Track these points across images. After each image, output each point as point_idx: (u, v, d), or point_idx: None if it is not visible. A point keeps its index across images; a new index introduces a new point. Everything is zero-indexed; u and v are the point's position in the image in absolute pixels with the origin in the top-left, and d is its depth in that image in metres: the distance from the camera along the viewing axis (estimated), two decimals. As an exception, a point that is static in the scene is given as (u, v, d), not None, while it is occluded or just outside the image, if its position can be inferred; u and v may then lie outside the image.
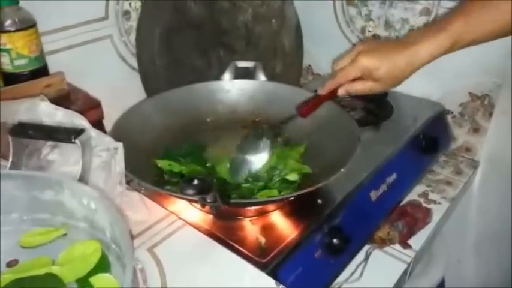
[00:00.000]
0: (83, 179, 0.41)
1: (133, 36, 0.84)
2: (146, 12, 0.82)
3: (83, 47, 0.77)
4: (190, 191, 0.38)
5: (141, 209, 0.49)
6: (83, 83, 0.73)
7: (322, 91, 0.67)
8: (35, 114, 0.44)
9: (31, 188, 0.37)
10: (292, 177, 0.64)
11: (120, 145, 0.46)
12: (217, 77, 0.82)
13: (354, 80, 0.63)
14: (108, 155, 0.46)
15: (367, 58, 0.59)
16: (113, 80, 0.84)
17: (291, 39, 1.01)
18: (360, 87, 0.63)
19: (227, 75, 0.81)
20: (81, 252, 0.35)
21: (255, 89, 0.81)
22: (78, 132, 0.42)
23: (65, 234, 0.38)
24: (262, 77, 0.82)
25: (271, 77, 0.87)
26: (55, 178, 0.36)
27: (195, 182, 0.39)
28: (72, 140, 0.41)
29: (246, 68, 0.83)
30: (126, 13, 0.82)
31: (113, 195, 0.45)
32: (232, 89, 0.80)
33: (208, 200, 0.43)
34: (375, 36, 0.97)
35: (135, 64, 0.85)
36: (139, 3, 0.82)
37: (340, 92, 0.65)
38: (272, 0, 0.96)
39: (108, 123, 0.66)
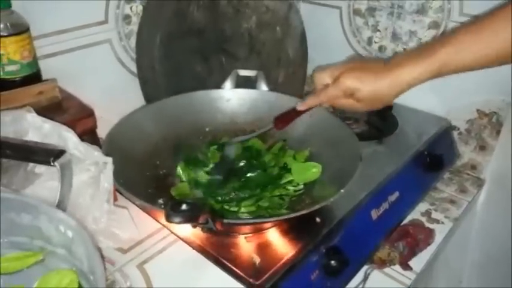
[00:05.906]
0: (61, 204, 0.38)
1: (133, 40, 0.82)
2: (147, 17, 0.80)
3: (81, 51, 0.75)
4: (178, 219, 0.36)
5: (129, 226, 0.47)
6: (79, 88, 0.71)
7: (303, 106, 0.66)
8: (21, 127, 0.42)
9: (6, 210, 0.35)
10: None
11: (109, 160, 0.44)
12: (218, 85, 0.80)
13: None
14: (97, 169, 0.44)
15: (349, 79, 0.58)
16: (112, 85, 0.82)
17: (296, 47, 0.99)
18: (342, 102, 0.62)
19: (228, 84, 0.79)
20: (56, 282, 0.33)
21: (257, 98, 0.79)
22: (58, 153, 0.39)
23: (42, 260, 0.36)
24: (264, 86, 0.80)
25: (274, 86, 0.85)
26: (31, 202, 0.34)
27: (183, 207, 0.37)
28: (51, 163, 0.39)
29: (248, 77, 0.81)
30: (127, 17, 0.80)
31: (100, 212, 0.43)
32: (233, 98, 0.79)
33: (199, 222, 0.41)
34: (381, 48, 0.95)
35: (135, 69, 0.83)
36: (140, 8, 0.81)
37: (324, 104, 0.65)
38: (277, 7, 0.94)
39: (106, 129, 0.64)
